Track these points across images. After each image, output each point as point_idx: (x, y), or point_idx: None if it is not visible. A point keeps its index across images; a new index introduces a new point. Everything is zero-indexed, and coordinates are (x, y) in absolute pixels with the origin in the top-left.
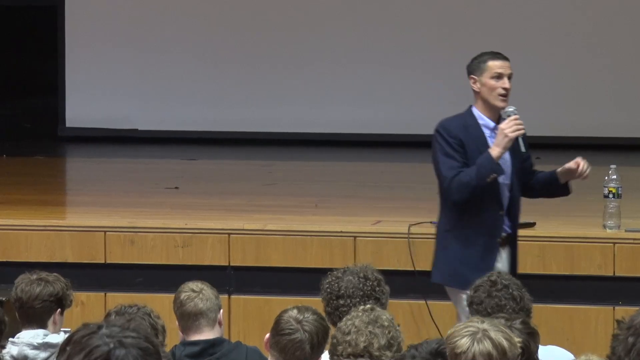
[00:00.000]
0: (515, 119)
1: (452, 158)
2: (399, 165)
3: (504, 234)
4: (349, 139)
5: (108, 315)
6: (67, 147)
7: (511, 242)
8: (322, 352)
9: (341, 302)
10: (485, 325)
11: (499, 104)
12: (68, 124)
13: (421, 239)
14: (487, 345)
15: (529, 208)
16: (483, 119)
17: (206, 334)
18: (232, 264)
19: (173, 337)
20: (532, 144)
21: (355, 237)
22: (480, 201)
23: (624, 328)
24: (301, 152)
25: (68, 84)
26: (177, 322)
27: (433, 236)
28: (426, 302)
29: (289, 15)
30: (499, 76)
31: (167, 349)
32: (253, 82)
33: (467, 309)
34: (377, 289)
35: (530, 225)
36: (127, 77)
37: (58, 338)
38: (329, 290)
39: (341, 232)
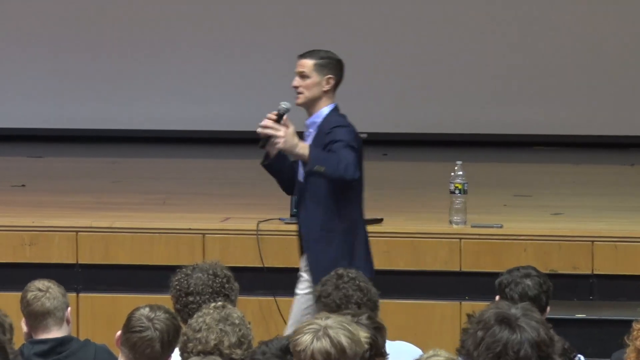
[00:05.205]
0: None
1: None
2: (247, 162)
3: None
4: (197, 135)
5: None
6: None
7: (311, 247)
8: (172, 351)
9: (190, 299)
10: (329, 322)
11: (296, 102)
12: None
13: (270, 236)
14: (325, 344)
15: (376, 205)
16: None
17: (54, 333)
18: (80, 262)
19: (21, 336)
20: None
21: (204, 234)
22: None
23: (473, 322)
24: (148, 149)
25: None
26: (24, 321)
27: (281, 233)
28: (275, 299)
29: (131, 12)
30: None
31: (16, 347)
32: (98, 78)
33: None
34: (227, 285)
35: (378, 221)
36: None
37: None
38: (178, 287)
39: (190, 229)
